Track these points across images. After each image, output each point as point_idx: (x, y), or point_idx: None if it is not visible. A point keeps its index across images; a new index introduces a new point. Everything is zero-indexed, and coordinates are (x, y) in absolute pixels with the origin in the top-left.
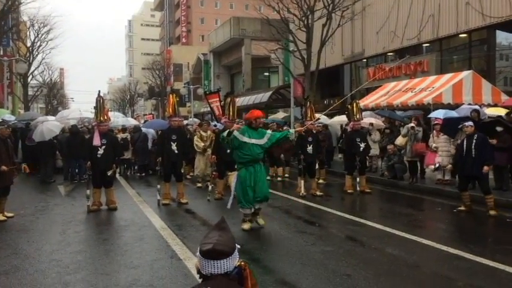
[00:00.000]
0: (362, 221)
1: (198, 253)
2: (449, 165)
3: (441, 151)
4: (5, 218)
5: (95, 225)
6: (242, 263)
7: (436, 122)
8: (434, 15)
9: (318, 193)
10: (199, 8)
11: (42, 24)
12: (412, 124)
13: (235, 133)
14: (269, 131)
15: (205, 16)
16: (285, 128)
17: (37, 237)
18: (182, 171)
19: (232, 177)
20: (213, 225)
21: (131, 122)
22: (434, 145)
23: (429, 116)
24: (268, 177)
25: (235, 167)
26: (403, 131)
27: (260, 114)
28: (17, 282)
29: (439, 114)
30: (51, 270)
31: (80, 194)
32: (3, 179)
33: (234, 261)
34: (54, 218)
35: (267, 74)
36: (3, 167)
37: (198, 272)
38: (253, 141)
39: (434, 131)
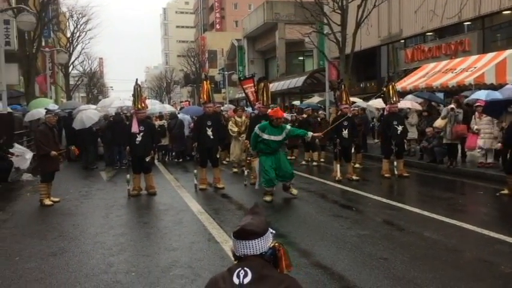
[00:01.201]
0: (399, 205)
1: (232, 237)
2: (499, 144)
3: (483, 133)
4: (52, 203)
5: (135, 209)
6: (276, 244)
7: (478, 103)
8: None
9: (354, 177)
10: None
11: (80, 15)
12: (452, 106)
13: (256, 130)
14: (288, 127)
15: (238, 1)
16: (320, 112)
17: (82, 220)
18: (218, 157)
19: (256, 163)
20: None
21: (168, 108)
22: (476, 127)
23: (471, 97)
24: (304, 162)
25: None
26: (443, 112)
27: (283, 115)
28: (64, 263)
29: (481, 95)
30: (96, 252)
31: (121, 179)
32: (51, 165)
33: (266, 242)
34: (97, 202)
35: (302, 58)
36: (53, 152)
37: (234, 255)
38: (272, 138)
39: (476, 113)
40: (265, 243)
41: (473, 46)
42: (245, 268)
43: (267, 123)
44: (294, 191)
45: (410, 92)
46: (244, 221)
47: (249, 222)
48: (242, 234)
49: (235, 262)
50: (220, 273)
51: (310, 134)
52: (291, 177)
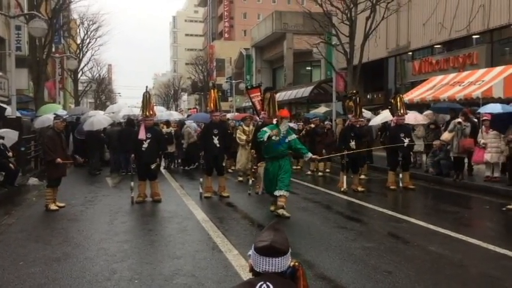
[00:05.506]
0: (405, 217)
1: (251, 251)
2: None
3: (490, 147)
4: (57, 208)
5: (140, 216)
6: (296, 263)
7: (485, 117)
8: (485, 5)
9: (360, 189)
10: (242, 2)
11: (91, 22)
12: (459, 119)
13: (265, 129)
14: (294, 136)
15: (247, 11)
16: (326, 122)
17: (86, 226)
18: (224, 165)
19: (261, 169)
20: (267, 226)
21: (175, 115)
22: (482, 141)
23: (479, 111)
24: (309, 172)
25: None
26: (450, 126)
27: (287, 115)
28: (68, 269)
29: (494, 108)
30: (99, 258)
31: (126, 185)
32: (58, 170)
33: (288, 261)
34: (102, 208)
35: (309, 68)
36: (58, 159)
37: (251, 269)
38: (273, 134)
39: (483, 127)
40: (286, 261)
41: (481, 59)
42: (267, 283)
43: (273, 125)
44: (286, 214)
45: (417, 104)
46: (267, 236)
47: (275, 239)
48: (269, 251)
49: (253, 276)
50: (238, 285)
51: (309, 154)
52: (285, 189)
